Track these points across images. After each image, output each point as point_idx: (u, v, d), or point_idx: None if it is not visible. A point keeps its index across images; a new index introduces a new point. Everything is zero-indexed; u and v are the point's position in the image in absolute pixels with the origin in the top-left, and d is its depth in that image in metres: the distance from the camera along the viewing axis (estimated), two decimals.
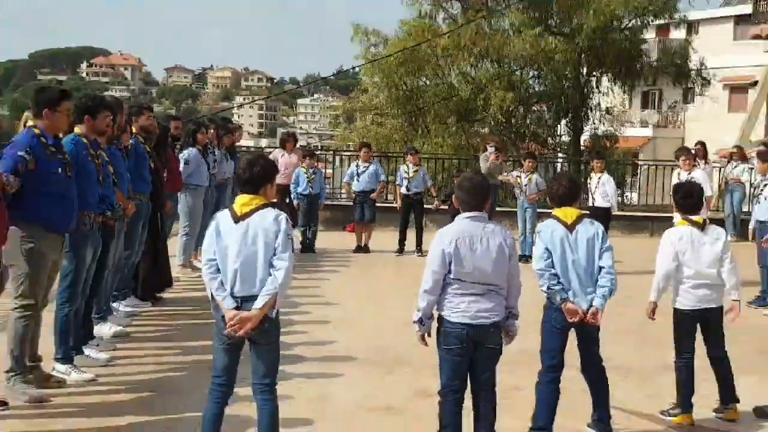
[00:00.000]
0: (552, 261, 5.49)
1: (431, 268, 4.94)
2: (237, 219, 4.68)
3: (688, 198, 6.13)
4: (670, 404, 6.04)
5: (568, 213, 5.61)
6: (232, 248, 4.64)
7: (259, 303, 4.58)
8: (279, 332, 4.81)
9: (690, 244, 5.92)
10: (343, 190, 16.13)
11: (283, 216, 4.73)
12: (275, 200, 5.18)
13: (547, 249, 5.51)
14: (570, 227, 5.54)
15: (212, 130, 11.62)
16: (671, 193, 6.74)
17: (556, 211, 5.67)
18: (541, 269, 5.49)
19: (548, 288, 5.46)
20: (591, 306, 5.45)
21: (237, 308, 4.61)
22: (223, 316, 4.64)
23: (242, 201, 4.73)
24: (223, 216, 4.78)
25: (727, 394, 6.00)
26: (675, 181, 11.20)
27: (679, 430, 5.82)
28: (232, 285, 4.64)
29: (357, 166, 14.25)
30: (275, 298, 4.60)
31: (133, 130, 8.24)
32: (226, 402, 4.78)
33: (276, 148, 17.67)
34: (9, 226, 5.64)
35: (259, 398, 4.73)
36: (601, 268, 5.55)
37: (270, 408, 4.72)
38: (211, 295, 4.71)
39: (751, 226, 10.94)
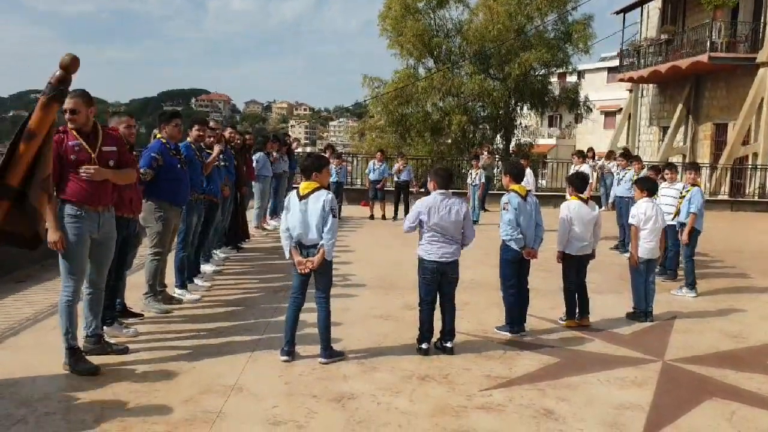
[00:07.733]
0: (518, 221, 5.47)
1: (408, 218, 5.08)
2: (300, 198, 4.66)
3: (581, 181, 6.13)
4: (562, 313, 6.04)
5: (521, 189, 5.61)
6: (298, 216, 4.63)
7: (318, 252, 4.59)
8: (332, 266, 4.78)
9: (578, 212, 5.91)
10: (358, 179, 16.03)
11: (330, 197, 4.65)
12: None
13: (516, 213, 5.47)
14: (523, 197, 5.55)
15: (275, 142, 11.51)
16: (566, 178, 6.66)
17: (513, 187, 5.59)
18: (513, 227, 5.46)
19: (516, 238, 5.44)
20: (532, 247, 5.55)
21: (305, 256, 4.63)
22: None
23: (304, 185, 4.71)
24: (292, 195, 4.75)
25: (584, 307, 5.94)
26: (571, 172, 11.19)
27: (567, 329, 5.83)
28: (299, 238, 4.64)
29: (374, 164, 14.02)
30: (325, 249, 4.59)
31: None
32: (300, 309, 4.78)
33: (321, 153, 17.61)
34: (145, 201, 5.64)
35: (319, 305, 4.73)
36: (537, 224, 5.59)
37: (325, 311, 4.73)
38: (290, 251, 4.69)
39: (610, 200, 10.95)
